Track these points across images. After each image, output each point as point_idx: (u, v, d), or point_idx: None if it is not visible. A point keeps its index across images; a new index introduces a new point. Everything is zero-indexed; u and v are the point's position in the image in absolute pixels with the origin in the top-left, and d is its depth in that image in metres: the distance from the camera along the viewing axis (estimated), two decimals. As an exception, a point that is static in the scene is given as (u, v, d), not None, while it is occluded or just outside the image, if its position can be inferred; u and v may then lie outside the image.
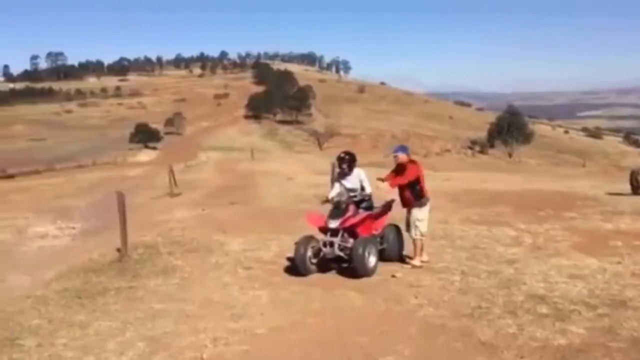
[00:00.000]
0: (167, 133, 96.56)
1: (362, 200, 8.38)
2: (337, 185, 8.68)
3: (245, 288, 7.54)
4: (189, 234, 11.51)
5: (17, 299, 7.82)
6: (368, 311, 6.43)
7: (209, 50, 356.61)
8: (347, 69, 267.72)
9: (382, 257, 8.30)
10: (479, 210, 12.79)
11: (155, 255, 9.74)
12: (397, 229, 8.72)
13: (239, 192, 20.38)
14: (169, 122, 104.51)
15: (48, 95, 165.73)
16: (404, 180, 8.13)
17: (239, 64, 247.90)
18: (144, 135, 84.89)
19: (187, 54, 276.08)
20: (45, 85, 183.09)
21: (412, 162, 8.38)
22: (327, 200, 8.56)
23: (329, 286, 7.41)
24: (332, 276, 8.02)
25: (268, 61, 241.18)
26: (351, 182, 8.44)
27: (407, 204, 8.33)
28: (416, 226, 8.19)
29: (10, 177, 43.06)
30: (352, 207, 8.16)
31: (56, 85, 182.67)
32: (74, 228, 15.17)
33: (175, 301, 7.10)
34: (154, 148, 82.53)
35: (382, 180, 8.46)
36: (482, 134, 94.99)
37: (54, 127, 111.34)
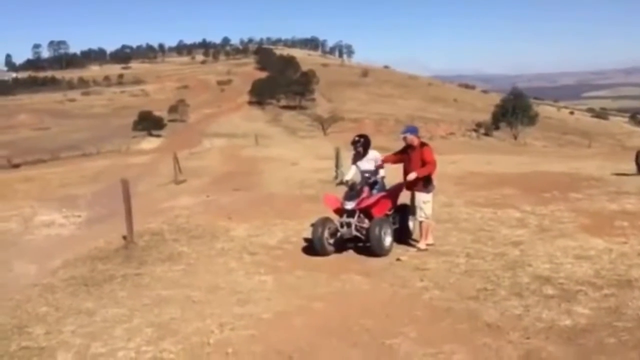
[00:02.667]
0: (170, 120, 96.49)
1: (375, 182, 8.63)
2: (353, 168, 8.92)
3: (250, 273, 7.57)
4: (194, 221, 11.54)
5: (24, 287, 7.88)
6: (374, 295, 6.44)
7: (212, 37, 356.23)
8: (350, 53, 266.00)
9: (399, 235, 8.63)
10: (484, 193, 12.75)
11: (160, 242, 9.78)
12: (406, 209, 8.85)
13: (244, 178, 20.38)
14: (173, 109, 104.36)
15: (51, 84, 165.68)
16: (431, 167, 8.09)
17: (242, 50, 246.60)
18: (148, 123, 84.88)
19: (189, 40, 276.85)
20: (48, 74, 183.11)
21: (424, 144, 8.28)
22: (341, 182, 8.93)
23: (335, 271, 7.42)
24: (337, 260, 8.05)
25: (271, 46, 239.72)
26: (367, 163, 8.65)
27: (412, 187, 8.29)
28: (421, 208, 8.18)
29: (16, 166, 43.19)
30: (366, 189, 8.43)
31: (59, 74, 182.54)
32: (79, 216, 15.21)
33: (181, 287, 7.14)
34: (158, 136, 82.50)
35: (383, 161, 8.58)
36: (487, 117, 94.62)
37: (58, 116, 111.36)
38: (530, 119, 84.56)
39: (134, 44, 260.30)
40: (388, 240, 8.13)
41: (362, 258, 8.02)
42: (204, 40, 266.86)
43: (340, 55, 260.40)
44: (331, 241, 8.32)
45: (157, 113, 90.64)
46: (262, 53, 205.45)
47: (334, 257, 8.17)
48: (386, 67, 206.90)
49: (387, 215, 8.60)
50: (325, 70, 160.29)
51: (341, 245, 8.44)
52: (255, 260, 8.31)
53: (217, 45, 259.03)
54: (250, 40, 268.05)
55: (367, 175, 8.65)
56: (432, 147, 8.40)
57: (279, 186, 17.16)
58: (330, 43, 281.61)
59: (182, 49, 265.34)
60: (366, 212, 8.37)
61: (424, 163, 8.06)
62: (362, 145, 8.63)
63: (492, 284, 6.44)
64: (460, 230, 9.30)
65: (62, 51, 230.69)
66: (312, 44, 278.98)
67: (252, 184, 18.44)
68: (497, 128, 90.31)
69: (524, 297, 5.96)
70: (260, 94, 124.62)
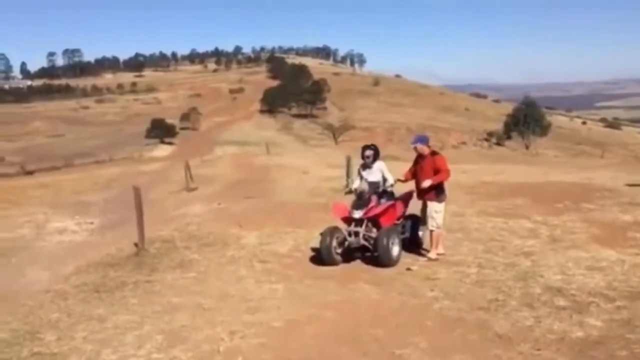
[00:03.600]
0: (182, 128, 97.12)
1: (384, 192, 8.57)
2: (358, 177, 8.85)
3: (261, 281, 7.58)
4: (205, 228, 11.58)
5: (37, 293, 7.96)
6: (384, 304, 6.42)
7: (224, 45, 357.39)
8: (361, 62, 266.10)
9: (404, 246, 8.47)
10: (496, 203, 12.70)
11: (172, 250, 9.82)
12: (417, 218, 8.77)
13: (255, 186, 20.43)
14: (185, 117, 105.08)
15: (65, 91, 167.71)
16: (445, 175, 8.02)
17: (254, 59, 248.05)
18: (160, 131, 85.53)
19: (201, 49, 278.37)
20: (63, 82, 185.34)
21: (435, 152, 8.27)
22: (350, 191, 8.87)
23: (345, 280, 7.42)
24: (347, 269, 8.03)
25: (282, 55, 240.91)
26: (373, 175, 8.57)
27: (424, 196, 8.26)
28: (433, 217, 8.14)
29: (30, 173, 43.58)
30: (374, 198, 8.36)
31: (73, 82, 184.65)
32: (92, 223, 15.35)
33: (192, 295, 7.16)
34: (170, 143, 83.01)
35: (403, 180, 8.52)
36: (499, 126, 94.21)
37: (72, 123, 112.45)
38: (543, 128, 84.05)
39: (147, 52, 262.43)
40: (396, 250, 8.07)
41: (372, 267, 7.99)
42: (217, 49, 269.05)
43: (352, 64, 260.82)
44: (339, 251, 8.26)
45: (169, 121, 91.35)
46: (274, 62, 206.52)
47: (344, 266, 8.16)
48: (397, 76, 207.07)
49: (395, 225, 8.54)
50: (336, 79, 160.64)
51: (349, 255, 8.36)
52: (266, 268, 8.32)
53: (229, 54, 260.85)
54: (262, 49, 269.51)
55: (374, 184, 8.56)
56: (445, 156, 8.38)
57: (290, 194, 17.18)
58: (341, 52, 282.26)
59: (194, 57, 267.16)
60: (374, 221, 8.32)
61: (437, 171, 8.00)
62: (370, 156, 8.58)
63: (503, 294, 6.41)
64: (471, 240, 9.27)
65: (76, 59, 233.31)
66: (323, 52, 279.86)
67: (263, 192, 18.48)
68: (508, 138, 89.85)
69: (535, 308, 5.92)
70: (272, 103, 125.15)
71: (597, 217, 10.64)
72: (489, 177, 18.90)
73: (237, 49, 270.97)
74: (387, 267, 7.82)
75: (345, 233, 8.28)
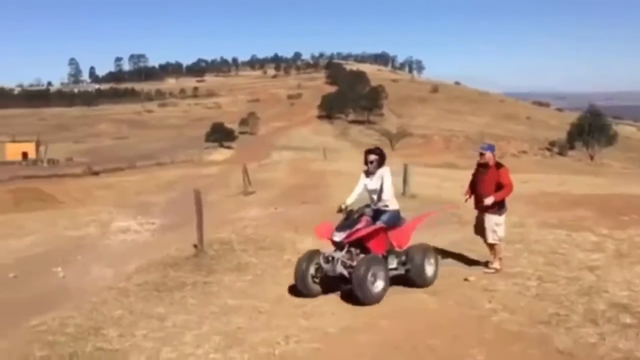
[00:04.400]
0: (241, 133, 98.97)
1: (380, 212, 7.22)
2: (359, 186, 7.51)
3: (316, 287, 7.58)
4: (262, 232, 11.72)
5: (100, 290, 8.25)
6: (440, 314, 6.33)
7: (283, 52, 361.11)
8: (420, 68, 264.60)
9: (405, 281, 7.27)
10: (558, 214, 12.32)
11: (229, 252, 9.99)
12: (429, 250, 7.58)
13: (311, 191, 20.52)
14: (244, 122, 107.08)
15: (130, 95, 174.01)
16: (508, 190, 7.76)
17: (312, 65, 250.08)
18: (220, 135, 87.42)
19: (261, 55, 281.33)
20: (128, 86, 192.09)
21: (500, 165, 7.96)
22: (341, 210, 7.26)
23: (401, 288, 7.33)
24: (403, 278, 7.90)
25: (341, 61, 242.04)
26: (374, 183, 7.35)
27: (483, 209, 8.00)
28: (494, 231, 7.90)
29: (95, 173, 45.27)
30: (365, 218, 7.00)
31: (138, 86, 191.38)
32: (153, 223, 15.79)
33: (248, 297, 7.26)
34: (229, 147, 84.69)
35: (467, 200, 8.32)
36: (562, 135, 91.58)
37: (136, 126, 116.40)
38: (609, 138, 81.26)
39: (209, 58, 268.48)
40: (379, 285, 6.62)
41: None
42: (276, 55, 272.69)
43: (410, 70, 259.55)
44: (317, 279, 6.98)
45: (228, 125, 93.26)
46: (333, 68, 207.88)
47: (399, 275, 8.02)
48: (457, 83, 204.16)
49: (395, 252, 7.25)
50: (394, 86, 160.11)
51: (330, 284, 7.04)
52: (321, 273, 8.32)
53: (288, 60, 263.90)
54: (321, 55, 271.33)
55: (373, 196, 7.33)
56: (508, 168, 8.16)
57: (345, 200, 17.14)
58: (400, 59, 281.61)
59: (254, 63, 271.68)
60: (361, 246, 6.93)
61: (499, 185, 7.75)
62: (373, 160, 7.33)
63: (565, 309, 6.20)
64: (531, 252, 9.01)
65: (141, 64, 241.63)
66: (382, 59, 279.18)
67: (320, 197, 18.53)
68: (572, 147, 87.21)
69: (599, 324, 5.70)
70: (329, 108, 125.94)
71: (667, 232, 10.16)
72: (550, 187, 18.36)
73: (297, 55, 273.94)
74: (365, 305, 6.47)
75: (321, 259, 6.96)
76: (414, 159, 46.64)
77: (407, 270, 7.22)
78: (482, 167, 8.02)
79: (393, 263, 7.19)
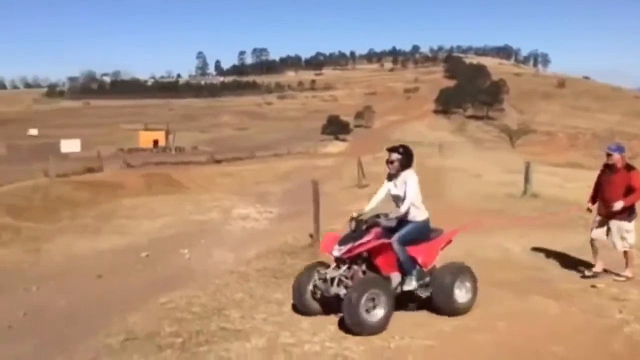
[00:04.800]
0: (356, 126, 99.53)
1: (403, 222, 6.17)
2: (381, 191, 6.54)
3: (431, 283, 7.51)
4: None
5: (223, 273, 8.73)
6: (563, 320, 6.05)
7: (401, 45, 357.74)
8: (546, 62, 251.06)
9: (428, 306, 6.24)
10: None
11: (344, 244, 10.12)
12: (464, 271, 6.43)
13: (425, 186, 20.10)
14: (359, 115, 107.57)
15: (252, 88, 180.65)
16: (639, 194, 7.21)
17: (431, 58, 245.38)
18: (335, 127, 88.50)
19: (379, 48, 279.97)
20: (250, 79, 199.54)
21: (631, 167, 7.42)
22: (352, 218, 6.24)
23: (522, 291, 7.03)
24: (522, 281, 7.61)
25: (461, 55, 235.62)
26: (398, 188, 6.34)
27: (611, 215, 7.50)
28: (624, 238, 7.42)
29: (217, 162, 47.36)
30: (375, 231, 6.01)
31: (259, 79, 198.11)
32: (271, 212, 16.41)
33: (362, 289, 7.33)
34: (344, 140, 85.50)
35: (590, 209, 7.90)
36: None
37: (256, 118, 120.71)
38: None
39: (328, 52, 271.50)
40: (379, 313, 5.64)
41: (551, 280, 7.55)
42: (394, 48, 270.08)
43: (535, 64, 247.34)
44: (318, 296, 6.11)
45: (344, 118, 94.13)
46: (452, 61, 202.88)
47: (521, 277, 7.74)
48: (586, 77, 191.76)
49: (419, 272, 6.15)
50: (517, 80, 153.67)
51: (331, 302, 6.05)
52: (436, 270, 8.24)
53: (406, 53, 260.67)
54: (440, 49, 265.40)
55: (399, 204, 6.29)
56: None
57: (461, 197, 16.82)
58: (524, 52, 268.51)
59: (372, 56, 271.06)
60: (369, 263, 6.02)
61: (629, 189, 7.24)
62: (396, 160, 6.26)
63: None
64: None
65: (263, 58, 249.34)
66: (504, 52, 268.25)
67: (434, 192, 18.22)
68: None
69: None
70: (447, 103, 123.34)
71: None
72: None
73: (415, 49, 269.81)
74: (356, 335, 5.54)
75: (316, 276, 6.12)
76: (536, 157, 44.57)
77: (429, 294, 6.17)
78: (608, 168, 7.55)
79: (412, 284, 6.11)
